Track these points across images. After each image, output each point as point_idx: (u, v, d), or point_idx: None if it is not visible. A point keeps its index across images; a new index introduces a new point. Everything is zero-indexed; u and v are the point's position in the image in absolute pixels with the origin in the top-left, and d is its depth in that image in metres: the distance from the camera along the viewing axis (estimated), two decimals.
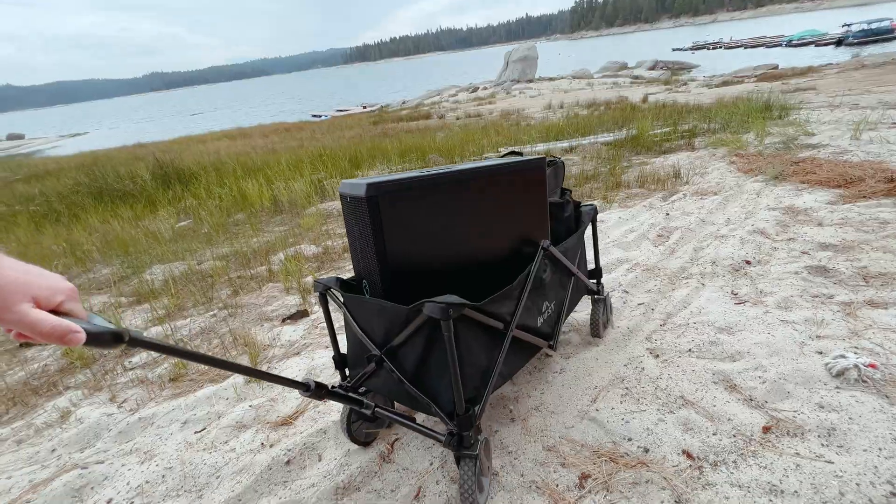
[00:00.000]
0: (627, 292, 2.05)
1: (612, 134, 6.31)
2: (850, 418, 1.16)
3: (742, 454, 1.11)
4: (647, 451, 1.16)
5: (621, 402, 1.35)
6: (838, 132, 4.65)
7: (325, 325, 1.72)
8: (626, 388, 1.41)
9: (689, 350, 1.56)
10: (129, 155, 9.13)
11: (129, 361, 1.96)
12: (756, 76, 13.60)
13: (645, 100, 10.65)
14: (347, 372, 1.24)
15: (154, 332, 2.20)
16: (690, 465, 1.10)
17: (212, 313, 2.34)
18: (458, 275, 1.13)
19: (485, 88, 18.80)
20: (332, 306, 1.18)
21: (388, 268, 1.03)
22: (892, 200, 2.66)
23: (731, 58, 23.29)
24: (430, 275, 1.08)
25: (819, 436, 1.13)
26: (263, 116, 20.20)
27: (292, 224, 3.92)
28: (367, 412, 1.10)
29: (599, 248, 2.59)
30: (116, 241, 3.84)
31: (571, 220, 1.64)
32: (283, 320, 2.17)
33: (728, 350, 1.53)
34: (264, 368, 1.71)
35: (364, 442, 1.29)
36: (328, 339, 1.65)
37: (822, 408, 1.22)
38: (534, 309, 1.25)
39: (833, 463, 1.04)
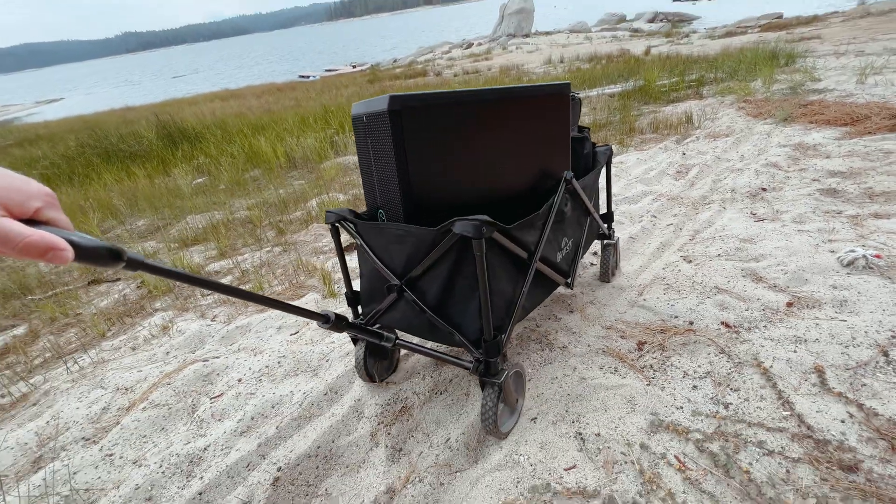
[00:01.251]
0: (655, 217, 2.28)
1: (618, 85, 6.39)
2: (858, 293, 1.43)
3: (770, 321, 1.37)
4: (691, 323, 1.42)
5: (664, 293, 1.60)
6: (844, 77, 4.81)
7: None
8: (667, 284, 1.66)
9: (718, 255, 1.81)
10: (120, 118, 8.96)
11: (204, 291, 2.16)
12: (760, 26, 13.47)
13: (648, 52, 10.57)
14: (360, 310, 1.23)
15: (217, 266, 2.39)
16: (729, 331, 1.36)
17: (266, 250, 2.53)
18: (480, 203, 1.09)
19: (479, 44, 18.32)
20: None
21: (410, 189, 0.97)
22: None
23: (733, 7, 22.79)
24: (450, 201, 1.04)
25: (833, 306, 1.40)
26: (250, 77, 19.56)
27: (311, 177, 4.05)
28: (389, 344, 1.07)
29: (622, 185, 2.81)
30: (141, 196, 3.95)
31: (590, 157, 1.61)
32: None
33: (752, 254, 1.78)
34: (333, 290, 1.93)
35: (378, 379, 1.32)
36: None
37: (835, 288, 1.48)
38: (554, 243, 1.24)
39: (846, 321, 1.31)
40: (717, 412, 1.07)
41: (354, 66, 18.62)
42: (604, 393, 1.18)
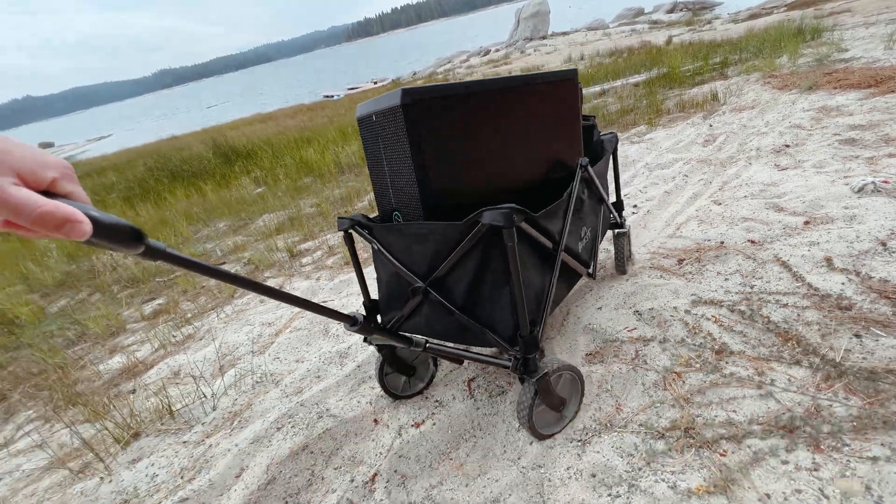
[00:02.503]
0: (687, 176, 2.62)
1: (642, 74, 6.71)
2: (866, 209, 1.74)
3: (790, 235, 1.71)
4: (722, 243, 1.77)
5: (698, 226, 1.95)
6: (871, 45, 4.99)
7: None
8: (700, 220, 2.01)
9: (744, 196, 2.14)
10: (170, 147, 9.91)
11: (300, 262, 2.65)
12: (786, 5, 13.43)
13: (669, 42, 10.81)
14: (380, 320, 1.19)
15: (306, 246, 2.89)
16: (754, 245, 1.70)
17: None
18: (497, 196, 1.08)
19: (497, 50, 18.94)
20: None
21: (428, 185, 0.96)
22: None
23: None
24: (468, 196, 1.03)
25: (844, 220, 1.71)
26: (278, 101, 20.91)
27: (361, 178, 4.57)
28: (418, 349, 1.06)
29: (653, 156, 3.16)
30: (212, 205, 4.57)
31: (598, 145, 1.63)
32: None
33: (775, 193, 2.10)
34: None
35: (399, 395, 1.28)
36: None
37: (846, 208, 1.79)
38: (575, 233, 1.24)
39: (853, 228, 1.63)
40: (744, 290, 1.42)
41: (376, 83, 19.59)
42: (652, 289, 1.54)
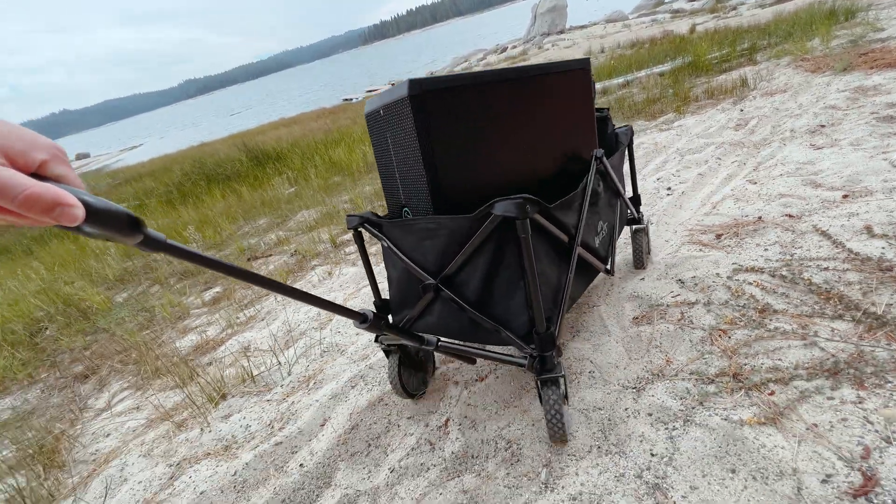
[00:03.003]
0: (720, 159, 2.68)
1: (667, 64, 6.69)
2: None
3: (828, 208, 1.77)
4: (760, 218, 1.84)
5: (735, 204, 2.03)
6: None
7: None
8: (736, 198, 2.08)
9: (780, 175, 2.20)
10: (201, 153, 10.36)
11: (344, 251, 2.82)
12: None
13: (693, 30, 10.66)
14: (391, 319, 1.19)
15: (346, 237, 3.06)
16: (792, 219, 1.77)
17: None
18: (510, 189, 1.07)
19: (514, 47, 18.97)
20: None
21: (438, 178, 0.95)
22: None
23: None
24: (479, 189, 1.01)
25: (883, 193, 1.76)
26: (299, 106, 21.49)
27: None
28: (431, 347, 1.06)
29: (683, 141, 3.21)
30: (252, 205, 4.82)
31: (613, 138, 1.61)
32: None
33: (811, 170, 2.15)
34: None
35: (413, 394, 1.28)
36: None
37: (885, 181, 1.84)
38: (592, 227, 1.23)
39: (893, 199, 1.68)
40: (784, 258, 1.50)
41: (392, 84, 19.87)
42: (693, 261, 1.63)
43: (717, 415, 0.99)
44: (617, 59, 8.74)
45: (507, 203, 0.85)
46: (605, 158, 1.29)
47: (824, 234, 1.57)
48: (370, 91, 20.12)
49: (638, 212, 1.64)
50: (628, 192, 1.64)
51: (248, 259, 3.18)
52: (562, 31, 18.95)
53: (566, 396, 0.99)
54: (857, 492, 0.77)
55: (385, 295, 1.32)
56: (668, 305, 1.42)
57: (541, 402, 0.98)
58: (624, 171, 1.61)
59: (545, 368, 0.94)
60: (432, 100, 0.92)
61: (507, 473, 1.01)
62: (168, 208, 5.78)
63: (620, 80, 6.55)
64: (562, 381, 0.96)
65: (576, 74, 1.24)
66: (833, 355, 1.06)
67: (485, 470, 1.03)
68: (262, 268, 2.93)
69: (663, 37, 10.67)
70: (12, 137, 0.38)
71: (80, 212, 0.38)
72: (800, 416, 0.94)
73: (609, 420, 1.06)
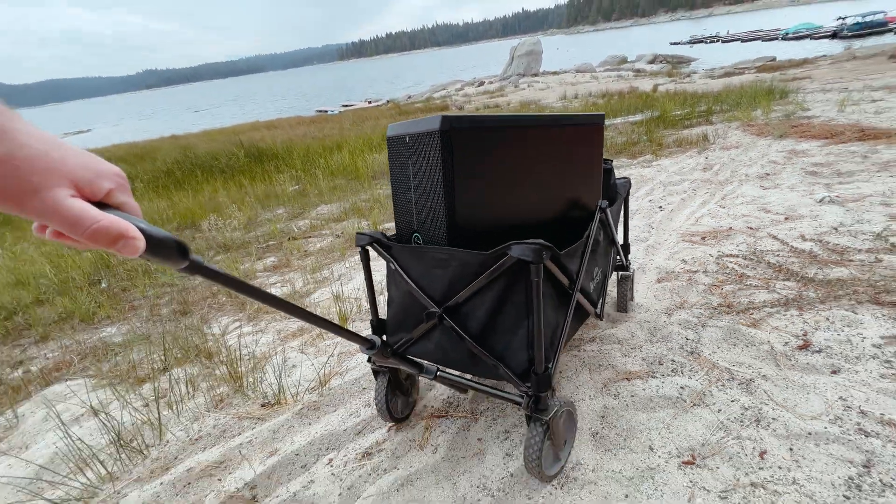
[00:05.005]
0: (695, 190, 3.55)
1: (638, 115, 7.93)
2: (824, 211, 2.66)
3: (776, 224, 2.59)
4: (731, 228, 2.64)
5: (711, 219, 2.83)
6: (828, 107, 6.34)
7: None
8: (712, 216, 2.89)
9: (741, 203, 3.06)
10: (172, 145, 10.35)
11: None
12: (756, 67, 15.58)
13: (655, 90, 12.38)
14: (386, 339, 1.23)
15: (386, 227, 3.58)
16: (752, 229, 2.57)
17: None
18: (519, 229, 1.15)
19: (490, 83, 20.52)
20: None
21: (455, 212, 1.02)
22: (861, 143, 4.26)
23: (728, 51, 25.74)
24: (491, 226, 1.10)
25: (810, 217, 2.62)
26: (271, 112, 21.55)
27: None
28: (429, 376, 1.11)
29: (664, 177, 4.10)
30: (262, 197, 5.18)
31: (614, 189, 1.71)
32: None
33: (762, 202, 3.03)
34: None
35: (400, 419, 1.33)
36: None
37: (811, 210, 2.72)
38: (589, 272, 1.31)
39: (817, 221, 2.53)
40: (751, 250, 2.27)
41: (370, 102, 20.66)
42: (689, 250, 2.37)
43: (721, 322, 1.67)
44: (593, 105, 10.04)
45: (524, 248, 0.93)
46: (608, 210, 1.41)
47: (775, 238, 2.38)
48: (346, 105, 20.72)
49: (627, 259, 1.77)
50: (619, 240, 1.76)
51: (289, 239, 3.60)
52: (536, 74, 20.85)
53: (556, 438, 1.06)
54: (801, 347, 1.46)
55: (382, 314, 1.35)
56: (678, 272, 2.12)
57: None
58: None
59: (538, 408, 1.01)
60: (460, 136, 1.00)
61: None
62: (158, 194, 5.94)
63: None
64: (551, 423, 1.02)
65: (592, 128, 1.36)
66: (784, 296, 1.79)
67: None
68: (310, 245, 3.38)
69: (630, 91, 12.32)
70: (83, 167, 0.40)
71: (142, 244, 0.42)
72: (768, 323, 1.64)
73: (654, 327, 1.71)
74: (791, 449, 1.09)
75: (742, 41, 35.29)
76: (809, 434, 1.12)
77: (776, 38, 31.70)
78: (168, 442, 1.40)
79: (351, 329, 1.12)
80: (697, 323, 1.69)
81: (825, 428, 1.13)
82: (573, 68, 22.51)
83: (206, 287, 2.64)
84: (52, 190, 0.38)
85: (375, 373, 1.28)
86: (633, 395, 1.35)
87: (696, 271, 2.11)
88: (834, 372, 1.35)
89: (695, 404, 1.28)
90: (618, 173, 4.46)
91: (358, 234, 1.16)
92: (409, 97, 20.37)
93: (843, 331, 1.52)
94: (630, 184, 1.77)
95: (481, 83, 20.88)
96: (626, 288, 1.82)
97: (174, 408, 1.55)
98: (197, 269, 0.52)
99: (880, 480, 0.99)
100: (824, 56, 15.96)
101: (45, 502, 1.21)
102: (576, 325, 1.32)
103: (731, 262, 2.16)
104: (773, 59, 17.32)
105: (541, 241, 0.93)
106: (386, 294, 1.27)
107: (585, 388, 1.41)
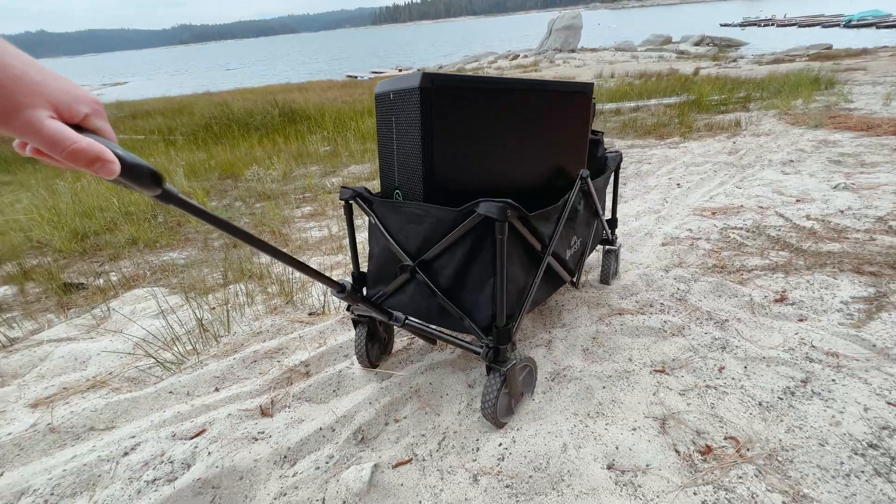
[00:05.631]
0: (716, 171, 3.69)
1: (672, 98, 7.88)
2: (836, 196, 2.81)
3: (786, 204, 2.76)
4: (741, 206, 2.81)
5: (726, 197, 3.01)
6: (873, 100, 6.24)
7: None
8: (726, 194, 3.06)
9: (758, 185, 3.21)
10: (207, 101, 10.74)
11: None
12: (808, 55, 14.94)
13: (696, 73, 12.09)
14: (366, 292, 1.31)
15: None
16: (762, 208, 2.74)
17: None
18: (498, 191, 1.18)
19: (525, 56, 20.20)
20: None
21: (432, 169, 1.05)
22: (895, 137, 4.29)
23: (783, 36, 24.53)
24: (469, 186, 1.13)
25: (821, 201, 2.78)
26: (302, 74, 21.80)
27: None
28: (398, 324, 1.17)
29: (687, 158, 4.23)
30: (297, 154, 5.50)
31: (602, 161, 1.76)
32: None
33: (779, 186, 3.18)
34: None
35: (375, 365, 1.44)
36: None
37: (824, 195, 2.86)
38: (566, 240, 1.35)
39: (826, 204, 2.69)
40: (755, 224, 2.46)
41: (400, 70, 20.63)
42: (697, 221, 2.57)
43: (711, 279, 1.90)
44: (628, 85, 9.95)
45: (490, 205, 0.97)
46: (590, 179, 1.44)
47: (781, 215, 2.56)
48: (375, 73, 20.76)
49: (613, 234, 1.85)
50: (607, 215, 1.83)
51: (324, 192, 3.91)
52: (573, 50, 20.40)
53: (513, 389, 1.16)
54: (777, 300, 1.69)
55: (363, 268, 1.41)
56: (682, 238, 2.34)
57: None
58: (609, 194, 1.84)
59: (497, 359, 1.08)
60: (441, 95, 1.02)
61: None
62: (197, 146, 6.33)
63: (632, 104, 7.67)
64: (508, 374, 1.09)
65: (579, 97, 1.37)
66: (775, 262, 2.00)
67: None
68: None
69: (669, 74, 12.07)
70: (62, 91, 0.44)
71: (117, 167, 0.46)
72: (753, 282, 1.86)
73: (650, 280, 1.95)
74: (745, 367, 1.35)
75: (799, 26, 33.42)
76: (764, 358, 1.38)
77: (837, 25, 29.94)
78: (235, 334, 1.74)
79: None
80: (690, 278, 1.93)
81: (778, 355, 1.38)
82: (613, 46, 21.90)
83: (259, 221, 2.98)
84: (34, 109, 0.41)
85: (355, 323, 1.37)
86: (622, 325, 1.62)
87: (698, 238, 2.33)
88: (801, 320, 1.58)
89: (673, 334, 1.54)
90: (641, 155, 4.61)
91: (342, 187, 1.22)
92: (441, 67, 20.25)
93: (818, 291, 1.74)
94: (621, 157, 1.79)
95: (515, 56, 20.58)
96: (611, 262, 1.89)
97: (237, 311, 1.89)
98: (170, 198, 0.58)
99: (811, 390, 1.24)
100: (885, 47, 15.17)
101: (149, 361, 1.57)
102: (548, 290, 1.38)
103: (733, 233, 2.37)
104: (829, 47, 16.53)
105: (508, 199, 0.98)
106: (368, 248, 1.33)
107: (583, 319, 1.68)
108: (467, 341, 1.16)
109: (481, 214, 0.99)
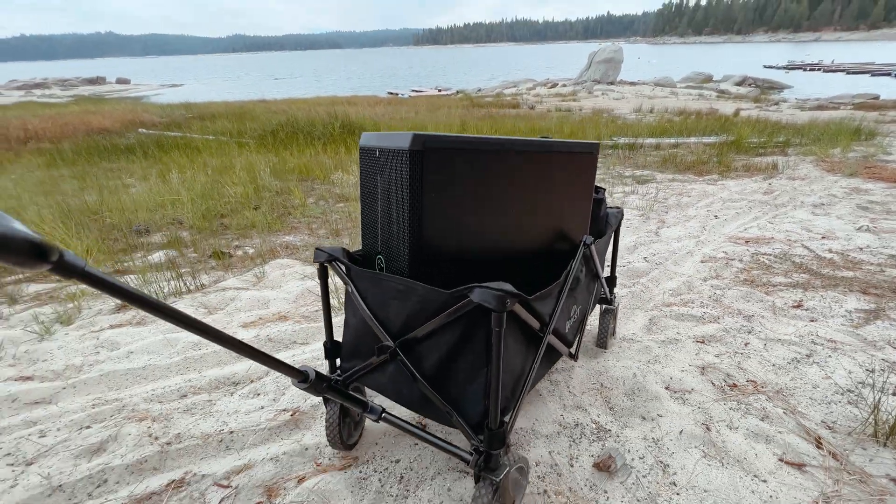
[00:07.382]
0: (751, 208, 4.22)
1: (712, 137, 8.44)
2: (858, 236, 3.31)
3: (812, 240, 3.27)
4: (772, 237, 3.34)
5: (759, 230, 3.53)
6: None
7: None
8: (759, 228, 3.59)
9: (789, 222, 3.73)
10: (263, 109, 11.76)
11: None
12: (853, 104, 15.32)
13: (737, 114, 12.63)
14: (339, 363, 1.22)
15: None
16: (790, 241, 3.26)
17: None
18: (493, 262, 1.13)
19: (564, 85, 21.07)
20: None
21: (421, 241, 0.99)
22: None
23: (829, 82, 24.91)
24: (461, 256, 1.07)
25: (844, 239, 3.28)
26: (345, 88, 23.20)
27: None
28: (373, 417, 1.09)
29: (724, 195, 4.75)
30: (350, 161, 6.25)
31: (604, 220, 1.67)
32: None
33: (808, 224, 3.69)
34: None
35: (350, 446, 1.31)
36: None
37: (847, 234, 3.37)
38: (566, 311, 1.27)
39: (848, 241, 3.19)
40: (783, 252, 2.98)
41: (440, 90, 21.74)
42: (731, 247, 3.10)
43: (742, 289, 2.44)
44: (668, 122, 10.55)
45: (485, 292, 0.88)
46: (593, 245, 1.37)
47: (806, 247, 3.08)
48: (415, 91, 21.92)
49: (612, 292, 1.76)
50: (606, 271, 1.73)
51: None
52: (612, 83, 21.21)
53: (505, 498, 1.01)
54: (795, 306, 2.22)
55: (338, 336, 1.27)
56: (718, 258, 2.88)
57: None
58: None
59: (488, 467, 0.98)
60: (433, 159, 0.97)
61: None
62: (266, 150, 7.14)
63: (672, 140, 8.25)
64: (501, 484, 0.97)
65: (583, 157, 1.32)
66: (797, 281, 2.53)
67: None
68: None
69: (709, 113, 12.64)
70: None
71: None
72: (777, 294, 2.39)
73: (691, 285, 2.50)
74: (765, 344, 1.89)
75: (847, 73, 33.69)
76: (779, 340, 1.91)
77: (889, 74, 30.09)
78: None
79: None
80: (725, 287, 2.47)
81: (791, 338, 1.92)
82: (652, 81, 22.63)
83: (347, 216, 3.64)
84: None
85: (325, 400, 1.23)
86: (670, 313, 2.17)
87: (732, 259, 2.87)
88: (811, 320, 2.10)
89: (710, 321, 2.09)
90: (682, 188, 5.16)
91: (317, 249, 1.14)
92: (480, 90, 21.27)
93: (829, 302, 2.27)
94: (622, 214, 1.74)
95: (554, 84, 21.47)
96: (609, 322, 1.80)
97: None
98: (72, 272, 0.48)
99: (812, 360, 1.77)
100: None
101: (314, 307, 2.18)
102: (545, 368, 1.29)
103: (763, 257, 2.90)
104: (876, 97, 16.85)
105: (507, 285, 0.90)
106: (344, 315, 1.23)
107: (638, 311, 2.24)
108: (454, 444, 1.06)
109: (475, 303, 0.90)
